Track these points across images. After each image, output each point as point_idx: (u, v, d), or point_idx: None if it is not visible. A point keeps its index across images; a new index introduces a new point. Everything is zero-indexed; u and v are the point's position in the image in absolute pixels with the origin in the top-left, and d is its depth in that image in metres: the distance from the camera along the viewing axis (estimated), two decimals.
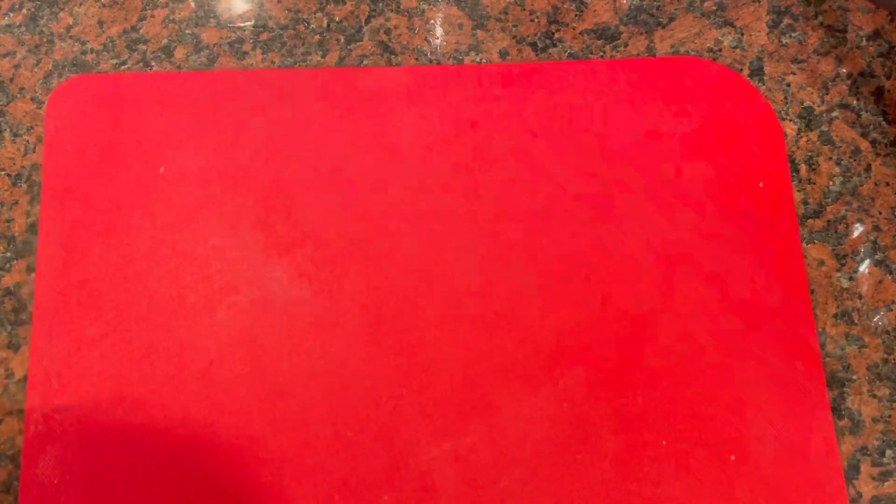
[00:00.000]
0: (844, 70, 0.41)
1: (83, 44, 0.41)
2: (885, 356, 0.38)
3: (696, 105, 0.40)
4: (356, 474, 0.34)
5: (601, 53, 0.41)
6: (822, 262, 0.39)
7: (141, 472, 0.35)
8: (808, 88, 0.41)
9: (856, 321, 0.38)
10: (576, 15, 0.42)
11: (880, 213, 0.39)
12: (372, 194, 0.38)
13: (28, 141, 0.40)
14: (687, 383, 0.36)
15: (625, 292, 0.37)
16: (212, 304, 0.37)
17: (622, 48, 0.41)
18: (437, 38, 0.41)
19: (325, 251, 0.37)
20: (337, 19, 0.41)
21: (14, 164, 0.39)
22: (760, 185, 0.38)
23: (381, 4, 0.41)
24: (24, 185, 0.39)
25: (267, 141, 0.39)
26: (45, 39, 0.41)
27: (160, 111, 0.39)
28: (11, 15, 0.41)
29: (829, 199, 0.39)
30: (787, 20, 0.42)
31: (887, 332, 0.38)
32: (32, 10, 0.41)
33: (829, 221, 0.39)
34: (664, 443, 0.35)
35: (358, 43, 0.41)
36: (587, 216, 0.38)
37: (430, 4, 0.42)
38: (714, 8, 0.42)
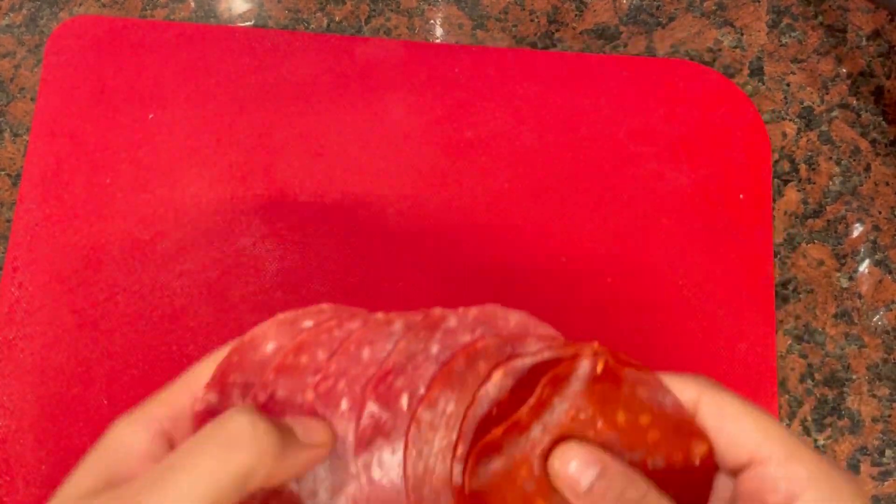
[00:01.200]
0: (844, 70, 0.41)
1: None
2: (885, 356, 0.38)
3: (687, 110, 0.40)
4: None
5: (601, 53, 0.41)
6: (822, 262, 0.39)
7: (94, 407, 0.36)
8: (808, 88, 0.41)
9: (856, 321, 0.38)
10: (576, 15, 0.42)
11: (880, 212, 0.39)
12: (354, 163, 0.38)
13: (28, 141, 0.40)
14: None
15: (591, 284, 0.37)
16: (183, 252, 0.37)
17: (622, 48, 0.41)
18: (438, 38, 0.41)
19: (300, 212, 0.38)
20: (337, 19, 0.41)
21: (14, 163, 0.39)
22: (741, 196, 0.38)
23: (381, 4, 0.41)
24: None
25: (255, 99, 0.39)
26: (45, 40, 0.41)
27: (156, 59, 0.40)
28: (11, 15, 0.41)
29: (829, 199, 0.39)
30: (787, 20, 0.42)
31: (887, 332, 0.38)
32: (32, 10, 0.41)
33: (829, 221, 0.39)
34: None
35: None
36: (563, 205, 0.38)
37: (430, 4, 0.42)
38: (714, 8, 0.42)
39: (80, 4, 0.41)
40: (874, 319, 0.38)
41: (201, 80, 0.39)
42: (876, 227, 0.39)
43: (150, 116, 0.39)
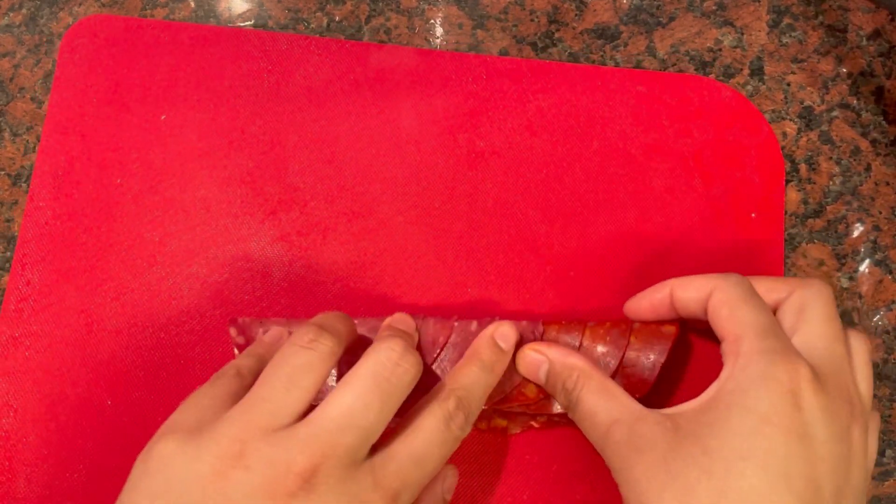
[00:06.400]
0: (844, 70, 0.41)
1: None
2: (885, 356, 0.38)
3: (701, 127, 0.39)
4: None
5: (601, 53, 0.41)
6: (822, 262, 0.39)
7: (98, 407, 0.36)
8: (808, 88, 0.41)
9: (856, 321, 0.38)
10: (576, 14, 0.42)
11: (880, 212, 0.39)
12: (365, 169, 0.38)
13: (28, 141, 0.40)
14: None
15: (600, 299, 0.37)
16: (191, 255, 0.37)
17: (622, 48, 0.41)
18: (437, 37, 0.41)
19: (310, 218, 0.38)
20: (337, 19, 0.41)
21: (14, 163, 0.39)
22: (752, 215, 0.38)
23: (381, 4, 0.41)
24: (24, 185, 0.39)
25: (268, 103, 0.39)
26: (44, 39, 0.41)
27: (170, 60, 0.40)
28: (11, 15, 0.41)
29: (829, 199, 0.40)
30: (787, 20, 0.42)
31: (887, 332, 0.38)
32: (32, 10, 0.41)
33: (829, 221, 0.39)
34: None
35: None
36: (575, 219, 0.38)
37: (430, 4, 0.42)
38: (714, 8, 0.42)
39: (80, 4, 0.41)
40: (874, 319, 0.38)
41: (214, 82, 0.39)
42: (876, 227, 0.39)
43: (163, 117, 0.39)
